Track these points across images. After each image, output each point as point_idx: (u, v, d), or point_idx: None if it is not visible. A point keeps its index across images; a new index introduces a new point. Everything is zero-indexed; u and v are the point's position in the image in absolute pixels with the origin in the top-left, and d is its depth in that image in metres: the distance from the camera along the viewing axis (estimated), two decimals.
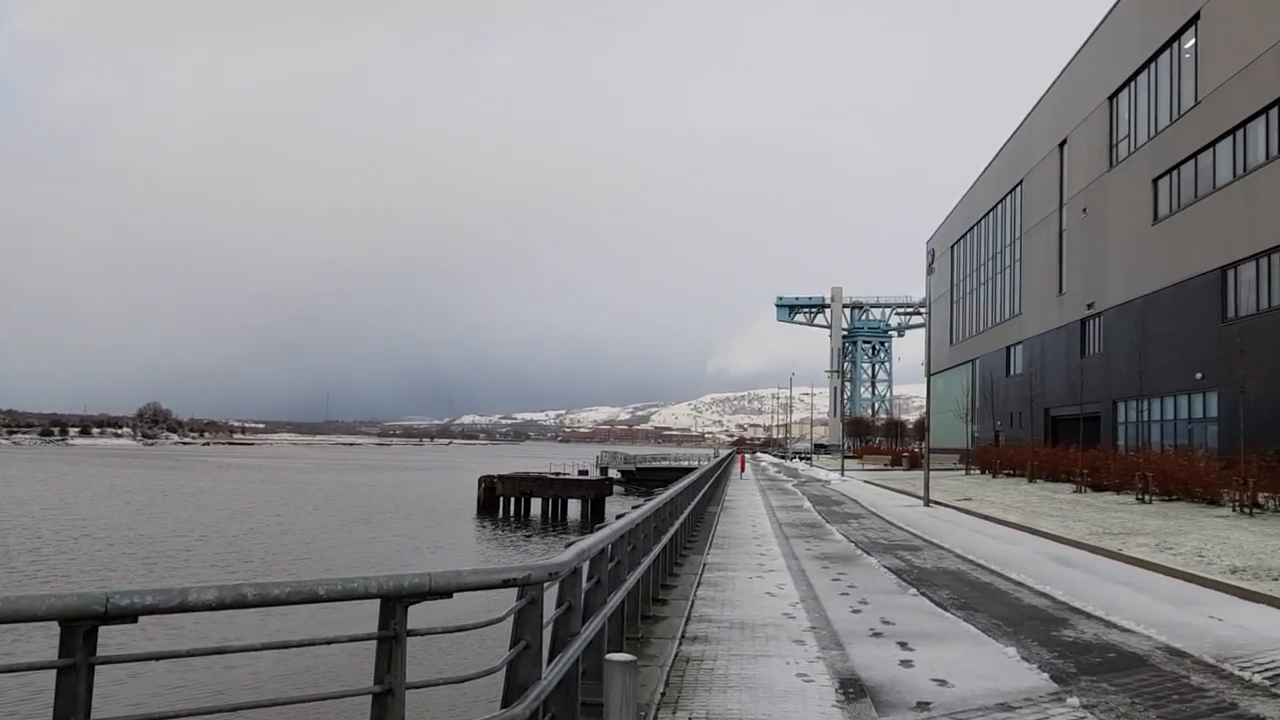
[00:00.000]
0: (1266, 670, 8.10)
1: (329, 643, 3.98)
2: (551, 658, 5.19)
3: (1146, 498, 26.79)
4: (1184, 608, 11.31)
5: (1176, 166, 35.52)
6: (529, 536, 46.73)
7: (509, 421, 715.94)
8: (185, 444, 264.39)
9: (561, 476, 61.33)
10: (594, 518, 52.34)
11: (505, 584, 4.28)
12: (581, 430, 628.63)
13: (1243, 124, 30.91)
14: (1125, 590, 12.74)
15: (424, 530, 46.87)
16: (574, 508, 56.72)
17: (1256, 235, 29.81)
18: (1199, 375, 32.86)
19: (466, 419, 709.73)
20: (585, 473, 67.37)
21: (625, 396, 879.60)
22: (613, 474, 77.01)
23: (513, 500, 58.22)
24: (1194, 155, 34.14)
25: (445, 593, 3.92)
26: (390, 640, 3.80)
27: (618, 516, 8.64)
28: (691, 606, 11.01)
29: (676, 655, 8.53)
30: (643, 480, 73.90)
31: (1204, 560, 14.43)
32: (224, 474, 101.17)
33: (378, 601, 3.81)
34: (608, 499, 57.66)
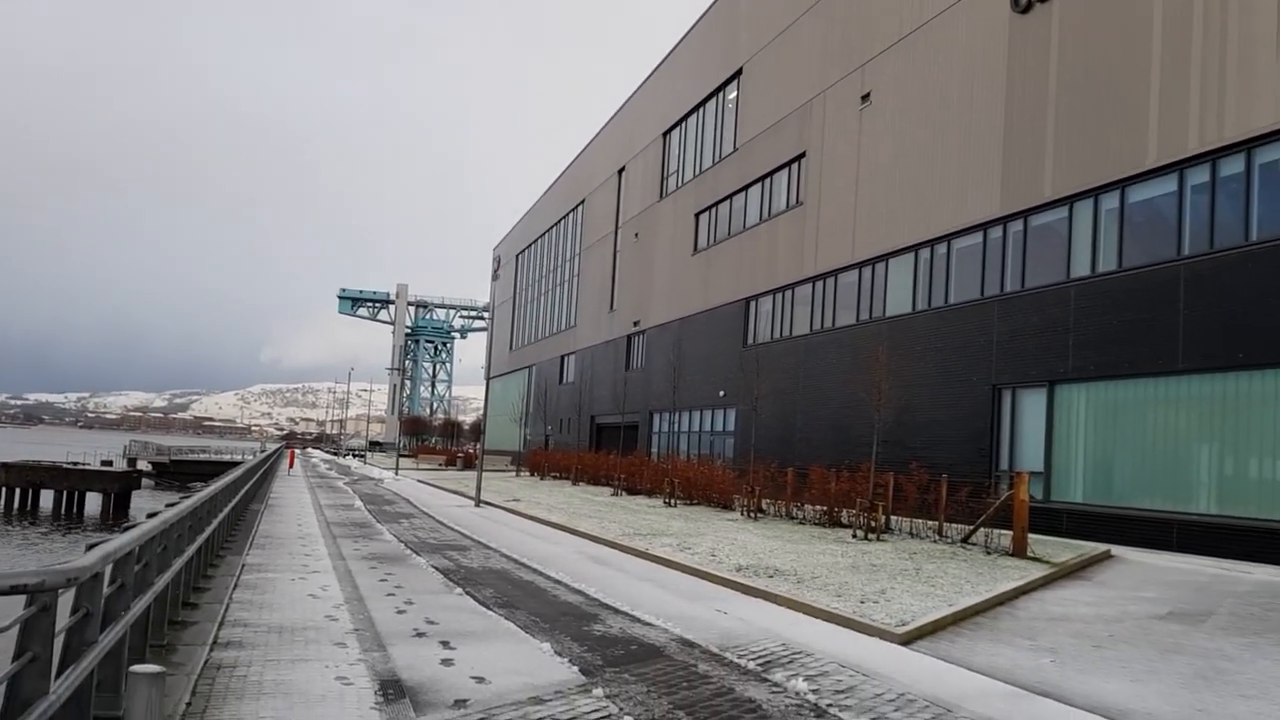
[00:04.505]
0: (759, 657, 9.29)
1: None
2: (62, 670, 4.71)
3: (673, 502, 29.33)
4: (696, 602, 12.60)
5: (715, 205, 39.55)
6: (46, 534, 41.46)
7: (19, 402, 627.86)
8: None
9: (80, 467, 55.14)
10: (118, 513, 47.71)
11: (14, 590, 3.84)
12: (109, 416, 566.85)
13: (769, 174, 35.14)
14: (650, 587, 13.93)
15: None
16: (94, 502, 51.21)
17: (775, 273, 33.99)
18: (722, 393, 36.79)
19: None
20: (109, 463, 61.00)
21: (163, 382, 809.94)
22: (143, 466, 70.41)
23: (18, 492, 51.30)
24: (729, 196, 38.23)
25: None
26: None
27: (149, 515, 7.99)
28: (226, 610, 10.41)
29: (206, 662, 8.04)
30: (178, 474, 68.39)
31: (716, 559, 16.16)
32: None
33: None
34: (135, 493, 52.71)
